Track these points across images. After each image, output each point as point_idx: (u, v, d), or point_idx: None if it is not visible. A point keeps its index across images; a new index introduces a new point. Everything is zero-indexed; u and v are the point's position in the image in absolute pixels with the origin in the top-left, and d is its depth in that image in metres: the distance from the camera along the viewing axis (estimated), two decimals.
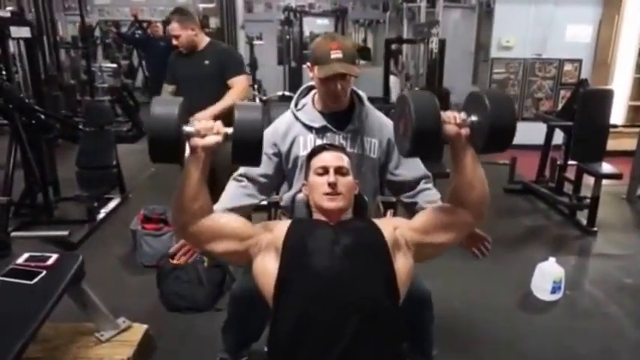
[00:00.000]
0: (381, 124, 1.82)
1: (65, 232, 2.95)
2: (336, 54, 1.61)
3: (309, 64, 1.72)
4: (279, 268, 1.29)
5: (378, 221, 1.44)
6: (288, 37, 8.38)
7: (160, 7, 8.85)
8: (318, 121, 1.77)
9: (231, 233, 1.34)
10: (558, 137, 4.25)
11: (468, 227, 1.41)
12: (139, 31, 7.08)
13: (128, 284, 2.84)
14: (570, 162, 3.95)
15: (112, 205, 3.84)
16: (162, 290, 2.58)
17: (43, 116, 3.43)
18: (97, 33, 8.25)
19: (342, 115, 1.78)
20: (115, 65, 8.07)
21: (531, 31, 5.59)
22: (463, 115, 1.28)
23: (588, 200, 3.67)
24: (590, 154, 3.70)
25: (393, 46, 5.75)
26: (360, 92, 1.84)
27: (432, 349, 2.01)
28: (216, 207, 1.52)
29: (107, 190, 3.76)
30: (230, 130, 1.23)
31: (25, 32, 3.52)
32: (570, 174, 4.00)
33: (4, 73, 3.49)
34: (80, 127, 3.66)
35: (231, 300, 1.81)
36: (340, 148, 1.58)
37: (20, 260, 1.91)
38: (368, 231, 1.38)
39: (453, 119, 1.26)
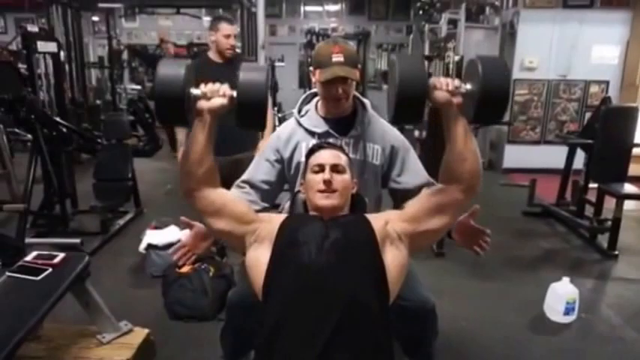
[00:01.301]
0: (384, 131, 1.81)
1: (77, 240, 2.99)
2: (337, 57, 1.61)
3: (311, 68, 1.73)
4: (269, 261, 1.29)
5: (370, 216, 1.42)
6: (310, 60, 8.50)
7: (186, 31, 9.15)
8: (321, 127, 1.76)
9: (233, 213, 1.36)
10: (580, 160, 4.14)
11: (459, 206, 1.36)
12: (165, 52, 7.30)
13: (134, 293, 2.86)
14: (592, 185, 3.85)
15: (126, 218, 3.90)
16: (167, 298, 2.58)
17: (63, 129, 3.53)
18: (125, 56, 8.52)
19: (344, 121, 1.77)
20: (139, 87, 8.30)
21: (555, 51, 5.53)
22: (457, 82, 1.25)
23: (609, 223, 3.55)
24: (611, 175, 3.60)
25: None
26: (364, 99, 1.84)
27: None
28: None
29: (122, 202, 3.83)
30: (235, 93, 1.25)
31: (51, 47, 3.67)
32: (592, 196, 3.87)
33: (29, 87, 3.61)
34: (99, 140, 3.75)
35: (228, 305, 1.80)
36: (338, 147, 1.57)
37: (29, 258, 1.97)
38: (358, 225, 1.36)
39: (445, 85, 1.23)
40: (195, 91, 1.26)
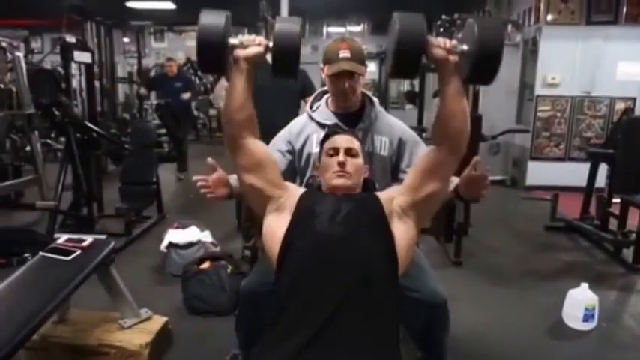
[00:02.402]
0: (391, 125, 1.88)
1: (103, 236, 3.09)
2: (344, 53, 1.70)
3: (321, 65, 1.81)
4: (286, 230, 1.35)
5: (379, 194, 1.48)
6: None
7: None
8: (331, 120, 1.83)
9: (268, 174, 1.43)
10: (604, 178, 4.09)
11: (448, 166, 1.40)
12: (191, 70, 7.53)
13: (155, 290, 2.92)
14: (616, 200, 3.79)
15: (149, 222, 4.02)
16: (186, 293, 2.64)
17: (93, 134, 3.69)
18: (153, 73, 8.83)
19: (353, 115, 1.84)
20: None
21: (579, 68, 5.48)
22: (454, 42, 1.31)
23: (634, 236, 3.49)
24: (634, 186, 3.54)
25: None
26: (372, 96, 1.91)
27: (445, 357, 1.95)
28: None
29: (146, 205, 3.94)
30: (271, 43, 1.33)
31: (86, 58, 3.87)
32: (616, 210, 3.80)
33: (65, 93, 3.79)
34: (126, 146, 3.90)
35: (241, 295, 1.84)
36: (352, 133, 1.63)
37: (60, 240, 2.09)
38: (368, 200, 1.43)
39: (442, 44, 1.30)
40: (233, 40, 1.34)
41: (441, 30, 6.15)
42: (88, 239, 2.08)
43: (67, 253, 1.97)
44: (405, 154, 1.86)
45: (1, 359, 1.45)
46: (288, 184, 1.52)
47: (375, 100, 1.91)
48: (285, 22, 1.37)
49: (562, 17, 5.51)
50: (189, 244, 3.12)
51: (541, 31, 5.54)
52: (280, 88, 3.01)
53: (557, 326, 2.57)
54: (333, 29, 9.93)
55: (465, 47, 1.29)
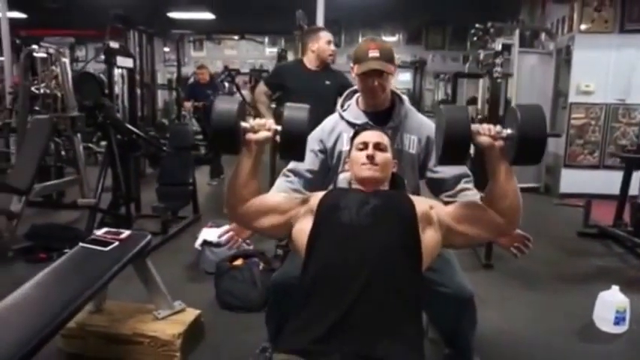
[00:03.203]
0: (421, 123, 1.91)
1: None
2: (373, 53, 1.75)
3: (351, 65, 1.86)
4: (313, 224, 1.40)
5: (413, 196, 1.51)
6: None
7: (249, 60, 9.65)
8: (361, 119, 1.88)
9: (273, 208, 1.49)
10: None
11: (498, 229, 1.45)
12: (229, 78, 7.72)
13: (189, 286, 3.01)
14: None
15: (185, 222, 4.14)
16: (218, 288, 2.72)
17: (133, 135, 3.85)
18: (191, 81, 9.08)
19: (383, 114, 1.88)
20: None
21: (613, 75, 5.42)
22: (498, 127, 1.37)
23: None
24: None
25: None
26: (402, 95, 1.95)
27: (472, 354, 1.97)
28: None
29: (182, 205, 4.07)
30: (279, 128, 1.41)
31: (128, 63, 4.05)
32: None
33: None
34: (164, 148, 4.05)
35: (272, 284, 1.89)
36: (380, 129, 1.67)
37: (99, 232, 2.21)
38: (399, 198, 1.46)
39: (487, 131, 1.35)
40: (244, 124, 1.42)
41: (475, 39, 6.16)
42: (126, 232, 2.18)
43: (105, 244, 2.07)
44: (433, 152, 1.88)
45: (41, 341, 1.53)
46: (300, 196, 1.58)
47: (405, 98, 1.95)
48: (294, 110, 1.43)
49: (596, 26, 5.48)
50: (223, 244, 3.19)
51: (574, 39, 5.50)
52: (320, 91, 3.07)
53: (588, 329, 2.53)
54: None
55: (509, 131, 1.34)
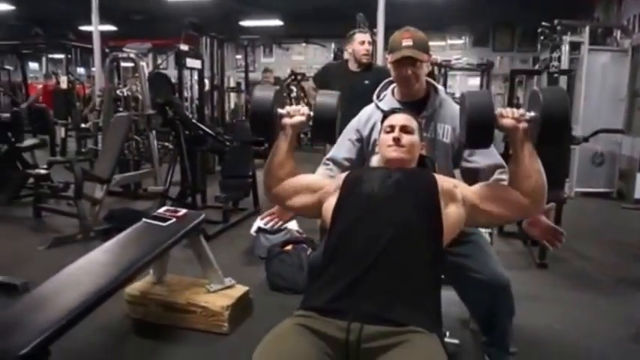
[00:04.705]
0: (455, 113, 1.89)
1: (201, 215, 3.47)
2: (406, 42, 1.80)
3: (386, 54, 1.93)
4: (338, 198, 1.49)
5: (437, 174, 1.56)
6: None
7: (315, 65, 9.90)
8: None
9: (305, 187, 1.60)
10: None
11: (523, 210, 1.47)
12: (295, 82, 8.01)
13: (243, 269, 3.20)
14: None
15: (244, 213, 4.39)
16: (268, 271, 2.89)
17: (200, 131, 4.14)
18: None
19: (417, 103, 1.91)
20: None
21: None
22: (522, 110, 1.42)
23: None
24: None
25: None
26: (438, 85, 1.99)
27: (508, 342, 1.95)
28: None
29: (242, 196, 4.32)
30: (312, 113, 1.54)
31: (196, 64, 4.36)
32: None
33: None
34: (227, 143, 4.32)
35: (309, 266, 2.00)
36: (409, 112, 1.71)
37: (160, 210, 2.48)
38: (421, 174, 1.53)
39: (510, 114, 1.40)
40: (281, 110, 1.56)
41: (542, 38, 5.96)
42: (183, 211, 2.40)
43: (165, 220, 2.32)
44: None
45: (102, 296, 1.80)
46: (326, 180, 1.68)
47: (440, 88, 1.98)
48: (325, 96, 1.57)
49: None
50: (277, 230, 3.37)
51: None
52: (358, 90, 3.12)
53: None
54: (433, 43, 9.89)
55: (532, 114, 1.39)
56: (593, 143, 5.22)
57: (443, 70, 8.26)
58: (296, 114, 1.55)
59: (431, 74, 7.57)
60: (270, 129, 1.54)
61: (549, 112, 1.33)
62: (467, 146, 1.52)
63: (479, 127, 1.41)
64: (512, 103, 4.61)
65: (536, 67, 7.55)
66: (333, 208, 1.48)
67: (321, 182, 1.63)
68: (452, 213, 1.45)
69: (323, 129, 1.54)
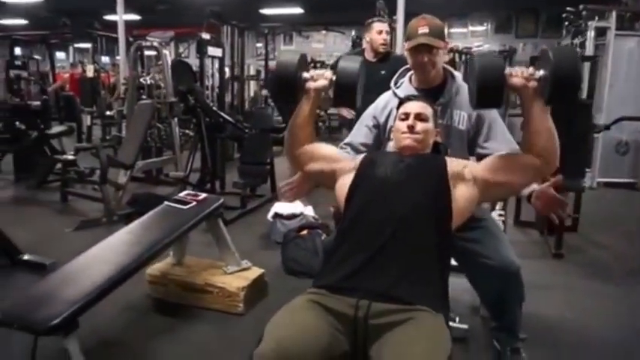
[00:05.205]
0: None
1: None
2: (423, 29, 1.82)
3: (404, 42, 1.95)
4: (352, 181, 1.55)
5: (448, 157, 1.60)
6: None
7: (335, 53, 9.91)
8: None
9: (324, 155, 1.66)
10: None
11: (535, 172, 1.48)
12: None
13: (259, 254, 3.24)
14: None
15: (262, 200, 4.47)
16: (284, 255, 2.96)
17: (220, 119, 4.23)
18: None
19: (434, 90, 1.93)
20: None
21: None
22: (531, 69, 1.42)
23: None
24: None
25: None
26: (455, 72, 2.00)
27: (518, 328, 1.98)
28: None
29: (260, 183, 4.41)
30: (334, 77, 1.58)
31: (217, 52, 4.44)
32: None
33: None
34: (246, 130, 4.40)
35: (323, 250, 2.06)
36: (424, 100, 1.73)
37: (181, 194, 2.57)
38: (431, 158, 1.57)
39: (520, 73, 1.41)
40: (305, 74, 1.60)
41: (567, 24, 5.84)
42: (203, 195, 2.50)
43: (185, 203, 2.42)
44: (482, 129, 1.91)
45: (132, 270, 1.93)
46: (345, 155, 1.74)
47: (457, 75, 1.98)
48: (347, 61, 1.61)
49: None
50: (293, 216, 3.45)
51: None
52: (375, 81, 3.14)
53: None
54: (454, 30, 9.80)
55: (541, 73, 1.39)
56: (618, 132, 5.13)
57: (464, 57, 8.16)
58: (319, 78, 1.59)
59: (452, 61, 7.43)
60: (294, 93, 1.58)
61: (559, 71, 1.33)
62: (476, 107, 1.52)
63: (489, 85, 1.41)
64: None
65: None
66: (347, 190, 1.54)
67: (339, 155, 1.69)
68: (462, 195, 1.48)
69: (344, 93, 1.58)
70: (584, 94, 4.18)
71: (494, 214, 2.73)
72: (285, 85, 1.57)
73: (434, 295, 1.36)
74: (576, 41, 4.80)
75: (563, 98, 1.39)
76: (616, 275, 3.06)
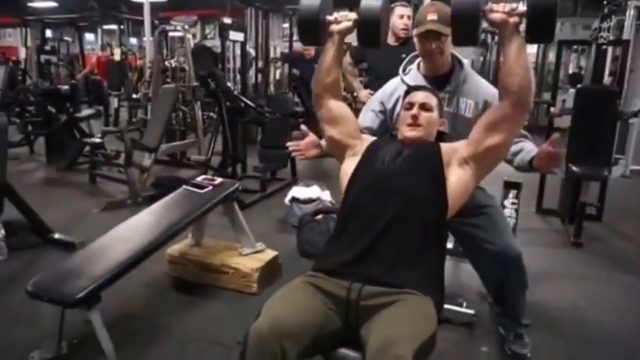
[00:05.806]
0: (479, 87, 1.94)
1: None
2: (431, 16, 1.83)
3: (414, 30, 1.96)
4: (354, 169, 1.60)
5: (443, 144, 1.62)
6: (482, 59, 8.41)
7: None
8: (420, 83, 1.95)
9: (346, 127, 1.70)
10: None
11: (512, 121, 1.49)
12: None
13: (275, 236, 3.34)
14: None
15: (282, 183, 4.56)
16: (299, 238, 3.04)
17: (241, 103, 4.30)
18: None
19: (441, 78, 1.94)
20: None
21: None
22: (513, 4, 1.41)
23: None
24: None
25: None
26: (463, 59, 2.00)
27: (521, 314, 2.02)
28: None
29: (279, 167, 4.49)
30: (357, 17, 1.59)
31: (239, 37, 4.49)
32: None
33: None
34: (267, 115, 4.46)
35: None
36: (430, 90, 1.76)
37: (198, 179, 2.66)
38: (428, 146, 1.60)
39: (501, 8, 1.41)
40: (329, 17, 1.62)
41: (605, 2, 5.59)
42: (219, 179, 2.58)
43: (202, 187, 2.51)
44: None
45: (153, 249, 2.05)
46: (364, 135, 1.76)
47: (465, 62, 1.99)
48: (371, 1, 1.59)
49: None
50: (310, 200, 3.53)
51: None
52: (395, 65, 3.15)
53: None
54: None
55: (524, 8, 1.39)
56: None
57: (496, 39, 7.90)
58: (343, 19, 1.61)
59: (484, 42, 7.18)
60: (318, 36, 1.60)
61: (536, 5, 1.34)
62: (454, 42, 1.52)
63: (464, 20, 1.41)
64: (557, 78, 4.40)
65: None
66: (349, 178, 1.59)
67: (358, 134, 1.71)
68: (457, 180, 1.51)
69: (369, 33, 1.59)
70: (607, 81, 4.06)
71: (507, 202, 2.74)
72: (309, 29, 1.57)
73: (425, 279, 1.42)
74: (604, 25, 4.58)
75: (541, 35, 1.39)
76: (634, 266, 3.03)
